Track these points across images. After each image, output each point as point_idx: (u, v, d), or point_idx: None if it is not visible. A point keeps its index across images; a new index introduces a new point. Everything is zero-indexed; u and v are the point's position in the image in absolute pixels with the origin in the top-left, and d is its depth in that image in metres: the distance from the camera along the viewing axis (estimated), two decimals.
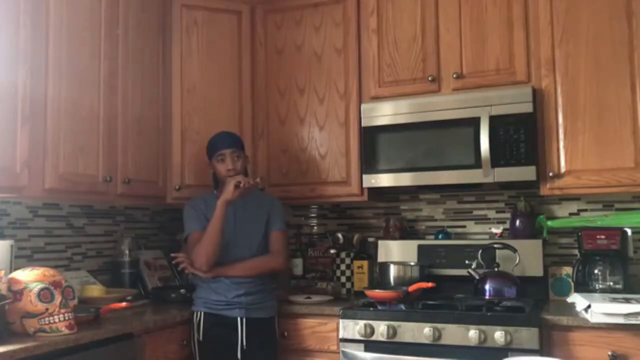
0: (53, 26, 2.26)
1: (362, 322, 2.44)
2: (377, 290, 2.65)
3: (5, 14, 2.07)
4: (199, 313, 2.50)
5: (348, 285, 3.03)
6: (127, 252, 2.89)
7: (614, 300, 2.28)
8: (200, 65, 3.01)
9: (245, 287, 2.51)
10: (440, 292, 2.73)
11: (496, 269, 2.67)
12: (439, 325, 2.34)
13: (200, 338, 2.47)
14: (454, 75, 2.74)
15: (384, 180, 2.79)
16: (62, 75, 2.29)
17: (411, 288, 2.59)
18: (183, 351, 2.47)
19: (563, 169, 2.55)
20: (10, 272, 2.07)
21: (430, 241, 3.01)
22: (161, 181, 2.88)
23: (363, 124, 2.85)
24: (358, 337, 2.45)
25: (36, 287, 1.93)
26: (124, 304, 2.34)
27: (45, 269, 2.04)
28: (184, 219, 2.61)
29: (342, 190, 2.93)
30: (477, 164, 2.61)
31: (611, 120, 2.49)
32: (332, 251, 3.09)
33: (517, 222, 2.85)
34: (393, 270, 2.85)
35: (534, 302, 2.54)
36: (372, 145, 2.82)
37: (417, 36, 2.83)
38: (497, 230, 2.87)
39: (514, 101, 2.58)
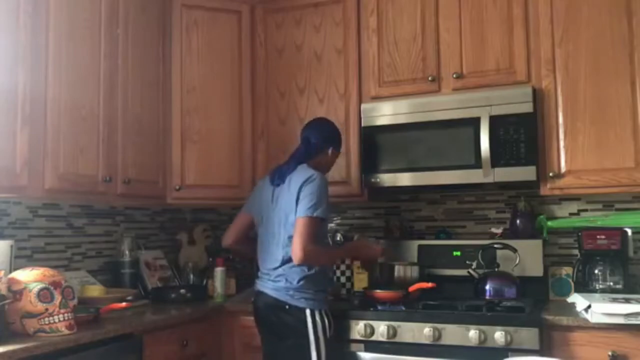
0: (53, 26, 2.26)
1: (362, 322, 2.44)
2: (377, 291, 2.64)
3: (5, 14, 2.07)
4: (322, 312, 2.35)
5: (348, 285, 3.02)
6: (127, 252, 2.89)
7: (614, 300, 2.28)
8: (200, 65, 3.01)
9: None
10: (440, 292, 2.72)
11: (496, 269, 2.66)
12: (439, 326, 2.33)
13: (328, 335, 2.33)
14: (454, 75, 2.74)
15: (384, 180, 2.79)
16: (62, 76, 2.29)
17: (411, 288, 2.58)
18: (183, 351, 2.46)
19: (563, 169, 2.55)
20: (10, 272, 2.07)
21: (430, 241, 3.00)
22: (161, 181, 2.88)
23: (363, 124, 2.85)
24: (358, 337, 2.44)
25: (36, 287, 1.93)
26: (124, 304, 2.34)
27: (45, 269, 2.04)
28: (321, 196, 2.35)
29: (342, 190, 2.93)
30: (477, 164, 2.60)
31: (611, 120, 2.48)
32: None
33: (517, 222, 2.85)
34: (393, 271, 2.84)
35: (534, 302, 2.54)
36: (372, 145, 2.81)
37: (417, 36, 2.83)
38: (497, 230, 2.87)
39: (514, 101, 2.58)
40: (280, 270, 2.39)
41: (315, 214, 2.31)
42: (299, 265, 2.33)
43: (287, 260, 2.37)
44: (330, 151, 2.58)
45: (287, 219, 2.39)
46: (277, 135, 3.07)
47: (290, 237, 2.36)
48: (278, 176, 2.49)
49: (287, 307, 2.34)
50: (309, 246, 2.30)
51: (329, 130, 2.62)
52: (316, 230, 2.34)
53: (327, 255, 2.55)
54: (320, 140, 2.56)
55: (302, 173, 2.42)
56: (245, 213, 2.64)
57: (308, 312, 2.33)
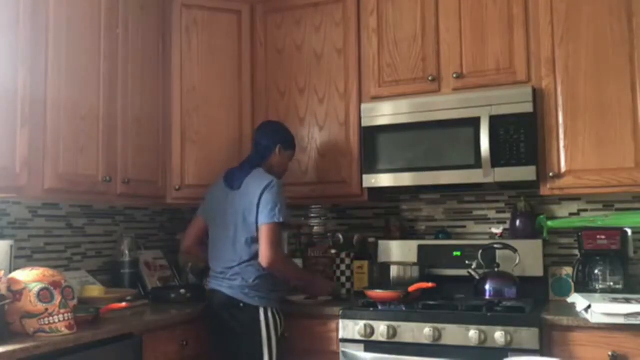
0: (53, 26, 2.25)
1: (362, 323, 2.44)
2: (377, 291, 2.64)
3: (5, 14, 2.07)
4: (274, 310, 2.48)
5: (348, 285, 3.02)
6: (127, 252, 2.89)
7: (614, 300, 2.28)
8: (200, 65, 3.01)
9: None
10: (440, 293, 2.72)
11: (496, 269, 2.66)
12: (439, 326, 2.34)
13: (279, 334, 2.46)
14: (454, 75, 2.74)
15: (384, 180, 2.79)
16: (62, 75, 2.28)
17: (411, 288, 2.58)
18: (183, 351, 2.46)
19: (563, 169, 2.55)
20: (10, 272, 2.07)
21: (430, 241, 3.00)
22: (161, 181, 2.88)
23: (363, 124, 2.84)
24: (358, 337, 2.45)
25: (36, 287, 1.93)
26: (124, 304, 2.34)
27: (45, 269, 2.04)
28: (281, 202, 2.47)
29: (342, 190, 2.93)
30: (477, 164, 2.60)
31: (611, 120, 2.48)
32: (332, 251, 3.09)
33: (517, 222, 2.85)
34: (393, 271, 2.84)
35: (534, 303, 2.54)
36: (372, 145, 2.81)
37: (417, 36, 2.83)
38: (497, 230, 2.87)
39: (514, 101, 2.58)
40: (236, 269, 2.47)
41: (279, 220, 2.43)
42: (266, 267, 2.42)
43: (244, 260, 2.47)
44: (277, 149, 2.64)
45: (246, 220, 2.47)
46: None
47: (249, 238, 2.46)
48: (234, 180, 2.58)
49: (241, 305, 2.44)
50: (278, 252, 2.45)
51: (274, 129, 2.73)
52: (280, 234, 2.49)
53: (292, 268, 2.66)
54: (267, 140, 2.66)
55: (259, 178, 2.52)
56: (200, 216, 2.72)
57: (261, 310, 2.43)
